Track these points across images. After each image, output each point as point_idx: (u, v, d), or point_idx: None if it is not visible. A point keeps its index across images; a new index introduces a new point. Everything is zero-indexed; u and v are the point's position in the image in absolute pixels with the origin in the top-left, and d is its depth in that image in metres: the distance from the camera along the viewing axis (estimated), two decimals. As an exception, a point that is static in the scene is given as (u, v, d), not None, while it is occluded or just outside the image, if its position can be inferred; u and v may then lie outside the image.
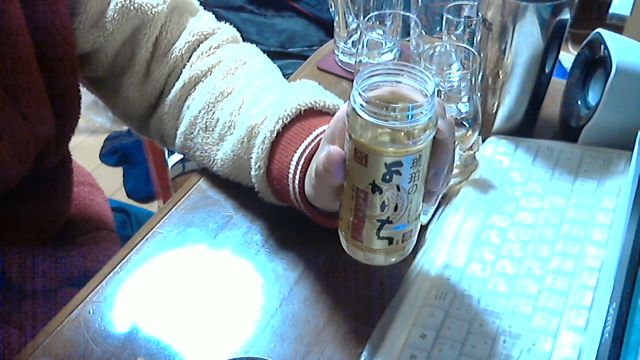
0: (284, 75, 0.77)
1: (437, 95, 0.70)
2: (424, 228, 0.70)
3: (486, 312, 0.61)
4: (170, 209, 0.74)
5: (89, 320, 0.64)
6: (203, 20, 0.77)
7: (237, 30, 0.80)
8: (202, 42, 0.76)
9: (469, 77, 0.69)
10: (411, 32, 0.82)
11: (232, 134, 0.70)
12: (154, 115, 0.77)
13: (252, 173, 0.68)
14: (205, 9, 0.80)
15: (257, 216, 0.73)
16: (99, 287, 0.67)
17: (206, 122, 0.72)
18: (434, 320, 0.61)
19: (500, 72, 0.77)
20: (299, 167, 0.63)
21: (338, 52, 0.93)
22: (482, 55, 0.76)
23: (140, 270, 0.69)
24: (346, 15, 0.90)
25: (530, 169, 0.75)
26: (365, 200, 0.54)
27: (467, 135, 0.72)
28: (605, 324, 0.56)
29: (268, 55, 0.79)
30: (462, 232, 0.69)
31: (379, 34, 0.87)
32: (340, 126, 0.56)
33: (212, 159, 0.72)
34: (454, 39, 0.78)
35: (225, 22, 0.80)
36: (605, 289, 0.60)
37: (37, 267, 0.76)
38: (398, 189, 0.53)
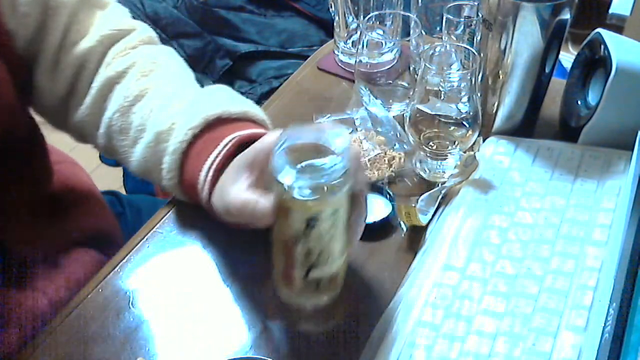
0: (284, 75, 0.77)
1: (438, 96, 0.70)
2: (424, 228, 0.70)
3: (486, 312, 0.61)
4: (170, 209, 0.74)
5: (89, 319, 0.64)
6: (117, 16, 0.78)
7: (237, 30, 0.80)
8: (117, 41, 0.76)
9: (469, 77, 0.69)
10: (411, 32, 0.82)
11: (142, 137, 0.71)
12: (74, 116, 0.77)
13: (165, 183, 0.70)
14: (205, 9, 0.80)
15: (257, 216, 0.73)
16: (98, 287, 0.67)
17: (121, 124, 0.73)
18: (434, 320, 0.61)
19: (500, 72, 0.77)
20: (208, 179, 0.65)
21: (338, 52, 0.93)
22: (482, 55, 0.76)
23: (140, 270, 0.69)
24: (346, 15, 0.90)
25: (530, 169, 0.75)
26: (292, 249, 0.58)
27: (467, 135, 0.72)
28: (605, 324, 0.56)
29: (268, 55, 0.79)
30: (462, 232, 0.69)
31: (379, 34, 0.87)
32: (261, 157, 0.60)
33: (129, 161, 0.74)
34: (454, 39, 0.78)
35: (224, 22, 0.80)
36: (605, 289, 0.60)
37: (37, 237, 0.76)
38: (321, 237, 0.57)
